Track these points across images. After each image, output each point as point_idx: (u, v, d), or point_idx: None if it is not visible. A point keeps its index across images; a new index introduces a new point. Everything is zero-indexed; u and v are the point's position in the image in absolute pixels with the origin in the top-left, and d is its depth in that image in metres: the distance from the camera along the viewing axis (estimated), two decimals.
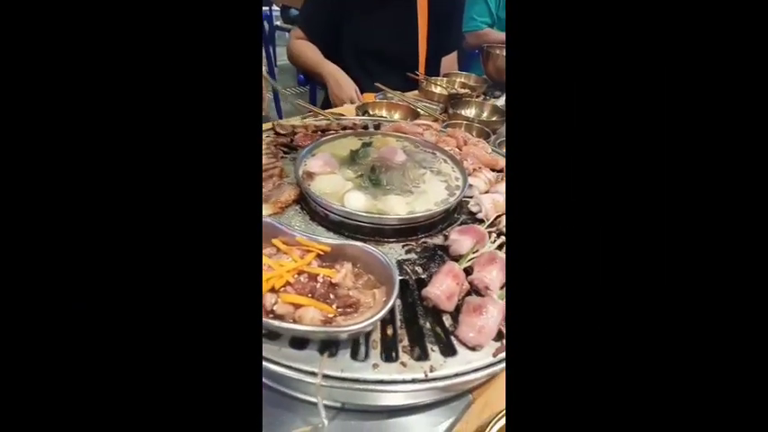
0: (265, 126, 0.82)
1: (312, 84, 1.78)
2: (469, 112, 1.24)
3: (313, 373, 0.38)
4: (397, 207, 0.56)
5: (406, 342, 0.42)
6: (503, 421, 0.45)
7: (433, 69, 1.67)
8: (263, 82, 1.07)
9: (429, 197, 0.59)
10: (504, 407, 0.47)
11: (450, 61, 1.75)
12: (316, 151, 0.67)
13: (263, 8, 3.15)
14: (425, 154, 0.71)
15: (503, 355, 0.42)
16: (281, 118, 1.74)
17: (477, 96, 1.40)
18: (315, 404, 0.39)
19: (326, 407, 0.49)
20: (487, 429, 0.45)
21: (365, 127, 0.87)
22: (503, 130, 1.19)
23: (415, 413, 0.51)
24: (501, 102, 1.40)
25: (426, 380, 0.39)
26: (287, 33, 2.60)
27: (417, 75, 1.46)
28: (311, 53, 1.49)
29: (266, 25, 3.30)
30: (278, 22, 3.44)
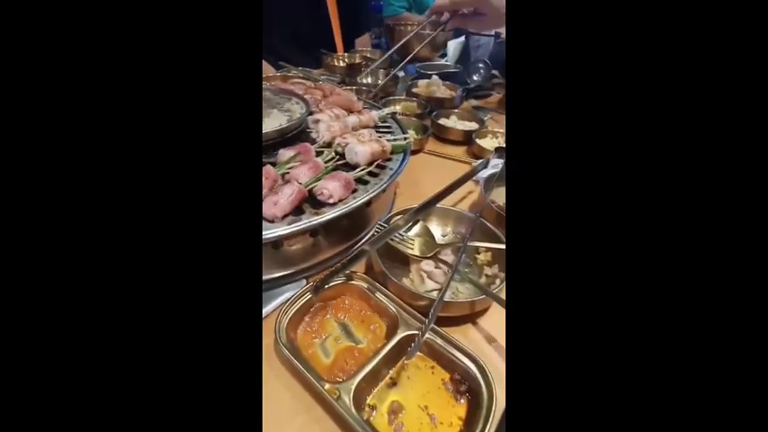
0: None
1: None
2: (366, 80, 1.35)
3: None
4: None
5: None
6: None
7: (350, 50, 1.78)
8: None
9: (266, 125, 0.70)
10: None
11: (363, 42, 1.87)
12: None
13: None
14: (281, 99, 0.82)
15: (297, 224, 0.53)
16: None
17: (379, 68, 1.52)
18: None
19: None
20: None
21: None
22: (395, 90, 1.30)
23: None
24: (401, 73, 1.53)
25: None
26: None
27: (325, 52, 1.56)
28: None
29: None
30: None
